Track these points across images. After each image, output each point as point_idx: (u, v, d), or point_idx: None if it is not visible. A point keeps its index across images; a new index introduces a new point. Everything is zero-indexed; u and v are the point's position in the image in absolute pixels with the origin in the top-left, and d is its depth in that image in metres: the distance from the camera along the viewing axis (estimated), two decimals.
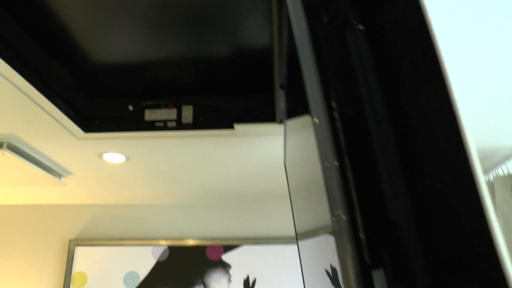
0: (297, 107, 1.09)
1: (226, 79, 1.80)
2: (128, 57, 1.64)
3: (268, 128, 1.82)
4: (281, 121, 1.72)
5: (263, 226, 3.01)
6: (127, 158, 2.13)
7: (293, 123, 1.21)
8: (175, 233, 3.01)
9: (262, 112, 1.86)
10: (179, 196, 2.90)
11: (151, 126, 1.89)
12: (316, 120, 0.56)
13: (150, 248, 2.96)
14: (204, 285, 2.87)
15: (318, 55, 0.59)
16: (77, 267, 2.94)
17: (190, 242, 2.94)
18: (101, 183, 2.56)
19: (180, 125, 1.88)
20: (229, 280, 2.87)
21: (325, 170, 0.54)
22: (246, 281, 2.87)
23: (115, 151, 2.05)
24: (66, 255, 2.99)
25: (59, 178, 2.31)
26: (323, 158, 0.55)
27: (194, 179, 2.51)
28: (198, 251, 2.94)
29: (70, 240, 2.99)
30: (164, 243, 2.95)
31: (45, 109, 1.66)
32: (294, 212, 1.56)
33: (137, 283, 2.89)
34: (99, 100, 1.92)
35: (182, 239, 2.96)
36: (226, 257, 2.92)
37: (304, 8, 0.64)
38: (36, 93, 1.53)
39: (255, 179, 2.52)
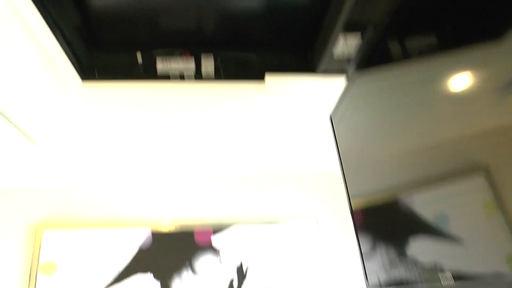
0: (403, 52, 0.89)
1: (253, 32, 1.53)
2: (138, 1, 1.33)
3: (306, 83, 1.58)
4: (341, 71, 1.46)
5: (257, 207, 2.77)
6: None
7: (380, 72, 0.99)
8: (158, 215, 2.70)
9: (297, 66, 1.61)
10: (167, 174, 2.59)
11: (165, 76, 1.59)
12: None
13: (130, 232, 2.62)
14: (192, 270, 2.59)
15: None
16: (45, 253, 2.55)
17: (176, 227, 2.64)
18: (76, 156, 2.21)
19: (199, 76, 1.59)
20: (220, 264, 2.60)
21: None
22: (240, 268, 2.62)
23: (119, 107, 1.73)
24: (33, 241, 2.59)
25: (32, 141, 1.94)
26: None
27: (198, 151, 2.22)
28: (185, 236, 2.64)
29: (37, 225, 2.59)
30: (146, 227, 2.63)
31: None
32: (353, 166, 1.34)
33: (116, 272, 2.55)
34: (102, 49, 1.59)
35: (167, 221, 2.65)
36: (216, 239, 2.65)
37: None
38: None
39: (266, 154, 2.26)
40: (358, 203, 1.35)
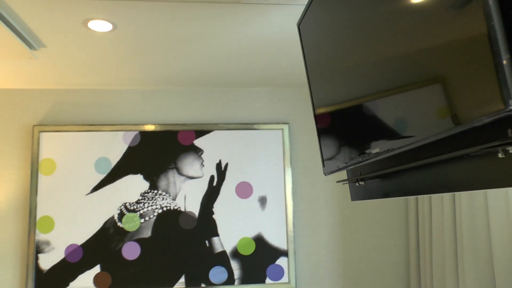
0: None
1: None
2: None
3: None
4: None
5: (236, 113, 3.03)
6: (114, 27, 1.97)
7: None
8: (146, 119, 2.95)
9: None
10: (152, 82, 2.80)
11: None
12: None
13: (120, 134, 2.89)
14: (178, 169, 2.90)
15: None
16: (44, 153, 2.82)
17: (161, 127, 2.91)
18: (76, 60, 2.38)
19: None
20: (202, 165, 2.92)
21: None
22: (219, 165, 2.94)
23: (102, 18, 1.89)
24: (31, 142, 2.84)
25: (31, 49, 2.10)
26: None
27: (179, 59, 2.41)
28: (170, 136, 2.92)
29: (34, 126, 2.82)
30: (135, 128, 2.89)
31: None
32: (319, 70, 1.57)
33: (109, 169, 2.85)
34: None
35: (153, 124, 2.92)
36: (199, 142, 2.94)
37: None
38: None
39: (243, 63, 2.47)
40: (322, 110, 1.60)
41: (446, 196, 2.45)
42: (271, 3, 1.77)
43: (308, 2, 1.47)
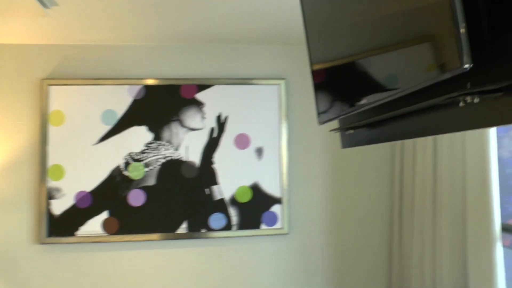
0: None
1: None
2: None
3: None
4: None
5: (236, 69, 3.18)
6: None
7: None
8: (150, 73, 3.09)
9: None
10: (157, 38, 2.91)
11: None
12: None
13: (126, 87, 3.03)
14: (180, 121, 3.07)
15: None
16: (53, 105, 2.97)
17: (164, 82, 3.06)
18: (85, 18, 2.49)
19: None
20: (203, 117, 3.09)
21: None
22: (219, 118, 3.11)
23: None
24: (40, 95, 2.99)
25: (44, 7, 2.22)
26: None
27: (184, 17, 2.53)
28: (172, 89, 3.07)
29: (42, 80, 2.96)
30: (140, 82, 3.04)
31: None
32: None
33: (115, 121, 3.02)
34: None
35: (157, 78, 3.06)
36: (200, 96, 3.10)
37: None
38: None
39: (244, 21, 2.58)
40: (318, 66, 1.76)
41: (429, 146, 2.66)
42: None
43: None
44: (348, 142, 1.78)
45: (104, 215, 2.98)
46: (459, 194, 2.44)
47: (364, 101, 1.28)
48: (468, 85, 0.87)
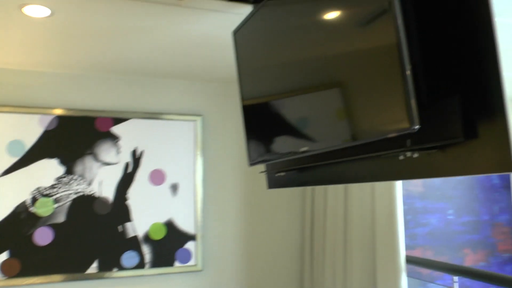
0: None
1: None
2: None
3: (223, 5, 1.93)
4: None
5: (153, 103, 3.15)
6: (52, 13, 2.01)
7: (280, 5, 1.41)
8: (64, 103, 2.94)
9: None
10: (74, 67, 2.80)
11: None
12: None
13: (37, 117, 2.85)
14: (94, 155, 2.95)
15: None
16: None
17: (79, 113, 2.93)
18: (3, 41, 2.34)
19: None
20: (118, 151, 3.01)
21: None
22: (134, 152, 3.05)
23: (39, 3, 1.92)
24: None
25: None
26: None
27: (107, 48, 2.48)
28: (87, 121, 2.96)
29: None
30: (53, 112, 2.88)
31: None
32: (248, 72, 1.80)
33: (22, 152, 2.81)
34: None
35: (72, 109, 2.92)
36: (116, 129, 3.02)
37: None
38: None
39: (167, 57, 2.59)
40: (246, 103, 1.84)
41: (340, 187, 2.84)
42: (208, 8, 1.96)
43: (248, 15, 1.70)
44: (275, 183, 1.85)
45: (4, 256, 2.73)
46: (369, 229, 2.64)
47: (303, 148, 1.37)
48: (408, 142, 0.99)
